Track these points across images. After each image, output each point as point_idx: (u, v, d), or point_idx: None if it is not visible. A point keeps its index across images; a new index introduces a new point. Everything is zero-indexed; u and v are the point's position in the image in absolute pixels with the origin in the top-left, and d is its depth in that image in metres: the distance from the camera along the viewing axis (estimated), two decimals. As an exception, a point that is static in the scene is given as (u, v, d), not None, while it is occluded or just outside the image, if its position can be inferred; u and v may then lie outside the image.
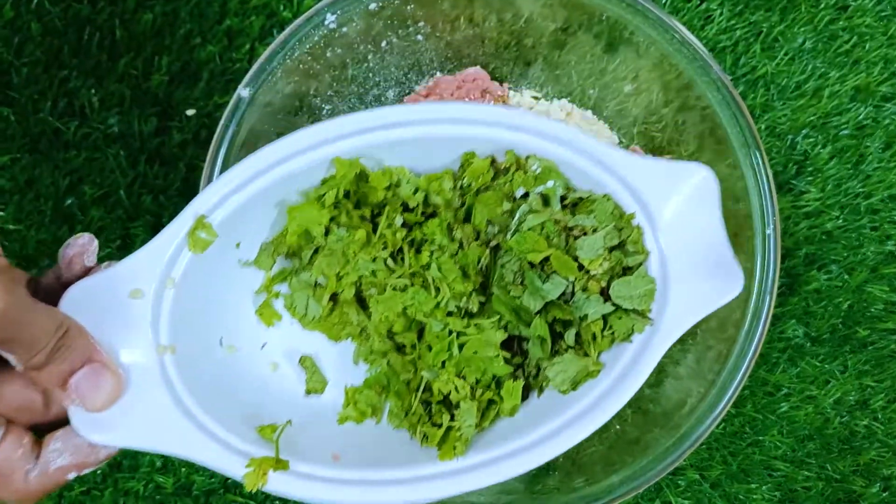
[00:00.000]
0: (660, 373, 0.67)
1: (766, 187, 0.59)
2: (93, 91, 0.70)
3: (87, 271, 0.41)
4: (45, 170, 0.69)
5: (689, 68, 0.61)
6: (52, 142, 0.69)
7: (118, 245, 0.69)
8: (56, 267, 0.42)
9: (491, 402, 0.50)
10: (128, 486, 0.70)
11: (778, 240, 0.58)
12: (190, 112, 0.70)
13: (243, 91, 0.56)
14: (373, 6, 0.59)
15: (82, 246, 0.41)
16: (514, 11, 0.66)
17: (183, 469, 0.70)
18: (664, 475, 0.60)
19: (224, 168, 0.55)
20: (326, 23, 0.58)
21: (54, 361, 0.37)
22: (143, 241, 0.69)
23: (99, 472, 0.69)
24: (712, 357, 0.62)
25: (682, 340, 0.66)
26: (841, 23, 0.75)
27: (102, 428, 0.40)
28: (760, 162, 0.59)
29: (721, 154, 0.62)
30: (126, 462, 0.70)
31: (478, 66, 0.69)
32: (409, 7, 0.61)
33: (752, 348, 0.58)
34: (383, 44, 0.64)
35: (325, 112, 0.66)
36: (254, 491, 0.43)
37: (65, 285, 0.40)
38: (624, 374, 0.48)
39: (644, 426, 0.64)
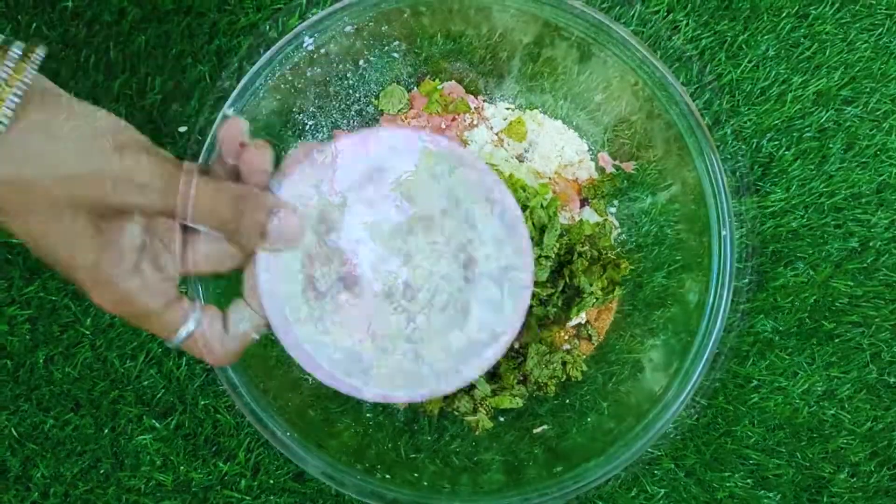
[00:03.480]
0: (633, 366, 0.71)
1: (722, 193, 0.62)
2: (90, 110, 0.73)
3: (242, 147, 0.46)
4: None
5: (650, 82, 0.65)
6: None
7: (117, 256, 0.73)
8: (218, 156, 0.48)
9: None
10: (130, 483, 0.73)
11: (733, 241, 0.62)
12: (182, 129, 0.74)
13: (228, 111, 0.59)
14: (349, 28, 0.63)
15: (235, 127, 0.46)
16: (490, 26, 0.70)
17: (182, 467, 0.74)
18: (635, 460, 0.64)
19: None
20: (305, 45, 0.62)
21: (247, 223, 0.44)
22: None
23: (102, 471, 0.73)
24: (678, 349, 0.65)
25: (653, 335, 0.70)
26: (802, 30, 0.79)
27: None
28: (716, 169, 0.62)
29: (684, 160, 0.66)
30: (128, 461, 0.74)
31: (453, 81, 0.72)
32: (384, 27, 0.65)
33: (712, 340, 0.62)
34: (361, 62, 0.68)
35: (308, 127, 0.70)
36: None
37: (226, 166, 0.47)
38: None
39: (619, 416, 0.68)
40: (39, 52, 0.40)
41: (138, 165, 0.40)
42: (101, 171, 0.39)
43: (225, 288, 0.64)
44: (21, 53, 0.39)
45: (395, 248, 0.51)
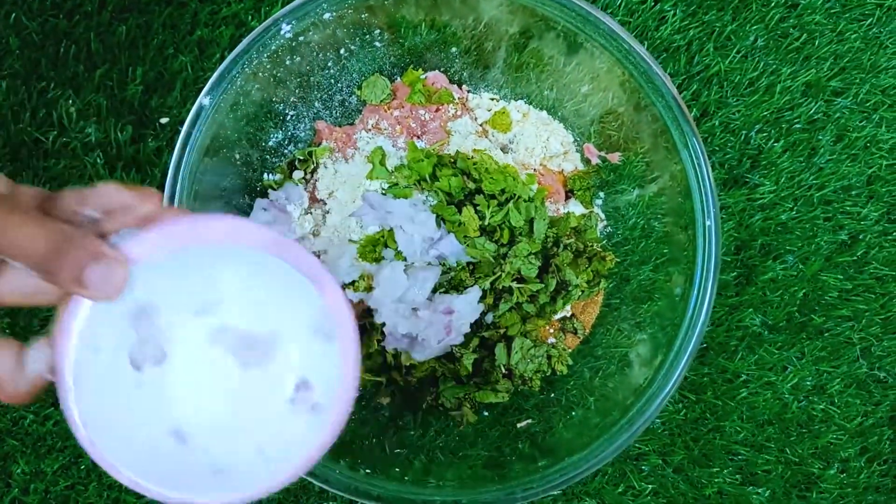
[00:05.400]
0: (620, 361, 0.70)
1: (707, 183, 0.62)
2: (71, 101, 0.73)
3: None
4: (25, 178, 0.72)
5: (636, 74, 0.64)
6: (33, 151, 0.72)
7: (97, 249, 0.72)
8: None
9: None
10: (111, 480, 0.73)
11: (718, 231, 0.61)
12: (164, 120, 0.73)
13: (204, 99, 0.58)
14: (327, 16, 0.62)
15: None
16: (476, 16, 0.69)
17: (164, 463, 0.73)
18: (620, 454, 0.63)
19: (188, 174, 0.59)
20: (283, 32, 0.61)
21: (62, 265, 0.39)
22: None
23: (83, 466, 0.72)
24: (664, 343, 0.65)
25: (640, 329, 0.70)
26: (791, 20, 0.78)
27: None
28: (701, 159, 0.62)
29: (670, 152, 0.65)
30: (109, 457, 0.73)
31: (437, 70, 0.71)
32: (363, 16, 0.64)
33: (696, 332, 0.62)
34: (342, 51, 0.67)
35: (289, 117, 0.69)
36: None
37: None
38: None
39: (605, 411, 0.67)
40: None
41: None
42: None
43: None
44: None
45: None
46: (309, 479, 0.63)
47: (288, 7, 0.60)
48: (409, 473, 0.66)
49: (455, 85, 0.72)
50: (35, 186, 0.42)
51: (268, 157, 0.69)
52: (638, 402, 0.63)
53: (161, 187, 0.72)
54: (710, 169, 0.62)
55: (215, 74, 0.59)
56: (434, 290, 0.66)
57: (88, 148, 0.73)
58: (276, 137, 0.69)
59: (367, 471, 0.63)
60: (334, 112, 0.71)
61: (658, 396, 0.62)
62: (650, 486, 0.75)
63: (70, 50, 0.72)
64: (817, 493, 0.77)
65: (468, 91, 0.73)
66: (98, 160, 0.72)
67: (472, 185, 0.66)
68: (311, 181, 0.70)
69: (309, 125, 0.71)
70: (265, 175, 0.69)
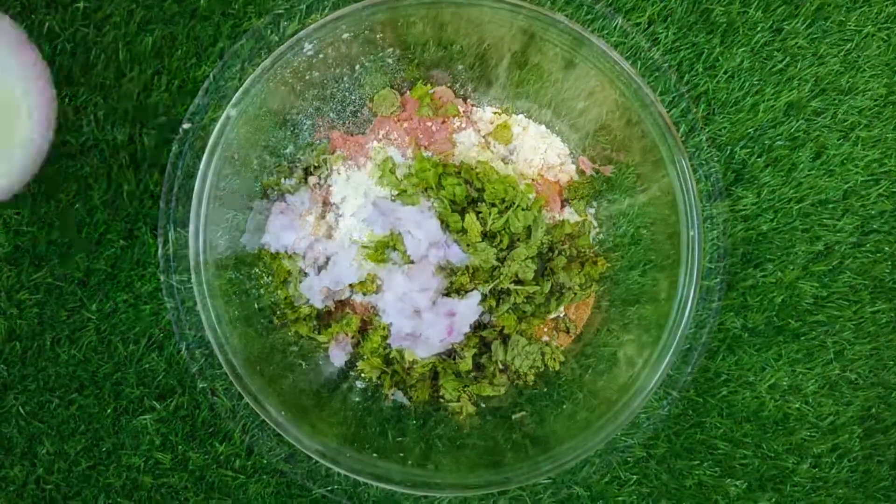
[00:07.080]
0: (609, 359, 0.75)
1: (691, 195, 0.67)
2: (99, 107, 0.77)
3: None
4: (56, 178, 0.76)
5: (627, 92, 0.69)
6: (63, 153, 0.77)
7: (122, 245, 0.77)
8: None
9: None
10: (130, 461, 0.77)
11: (700, 240, 0.66)
12: (186, 126, 0.77)
13: (231, 111, 0.63)
14: (345, 35, 0.67)
15: None
16: (479, 35, 0.73)
17: (180, 447, 0.77)
18: (606, 445, 0.68)
19: (214, 178, 0.63)
20: (304, 50, 0.65)
21: None
22: (144, 242, 0.77)
23: (104, 448, 0.77)
24: (649, 343, 0.69)
25: (628, 330, 0.74)
26: (776, 44, 0.82)
27: None
28: (686, 174, 0.67)
29: (657, 166, 0.70)
30: (129, 441, 0.77)
31: (444, 86, 0.76)
32: (378, 35, 0.69)
33: (679, 333, 0.67)
34: (357, 67, 0.72)
35: (305, 126, 0.74)
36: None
37: None
38: None
39: (593, 405, 0.72)
40: None
41: None
42: None
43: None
44: None
45: None
46: (318, 459, 0.67)
47: (310, 28, 0.65)
48: (410, 458, 0.70)
49: (460, 99, 0.77)
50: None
51: (285, 163, 0.74)
52: (623, 397, 0.68)
53: (182, 188, 0.77)
54: (694, 183, 0.66)
55: (242, 87, 0.64)
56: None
57: (115, 150, 0.77)
58: (294, 145, 0.74)
59: (375, 454, 0.68)
60: (347, 122, 0.76)
61: (642, 392, 0.67)
62: (634, 476, 0.80)
63: (99, 58, 0.76)
64: (791, 486, 0.82)
65: (472, 105, 0.77)
66: (124, 161, 0.77)
67: (474, 193, 0.71)
68: (325, 186, 0.75)
69: (324, 134, 0.75)
70: (283, 180, 0.74)
